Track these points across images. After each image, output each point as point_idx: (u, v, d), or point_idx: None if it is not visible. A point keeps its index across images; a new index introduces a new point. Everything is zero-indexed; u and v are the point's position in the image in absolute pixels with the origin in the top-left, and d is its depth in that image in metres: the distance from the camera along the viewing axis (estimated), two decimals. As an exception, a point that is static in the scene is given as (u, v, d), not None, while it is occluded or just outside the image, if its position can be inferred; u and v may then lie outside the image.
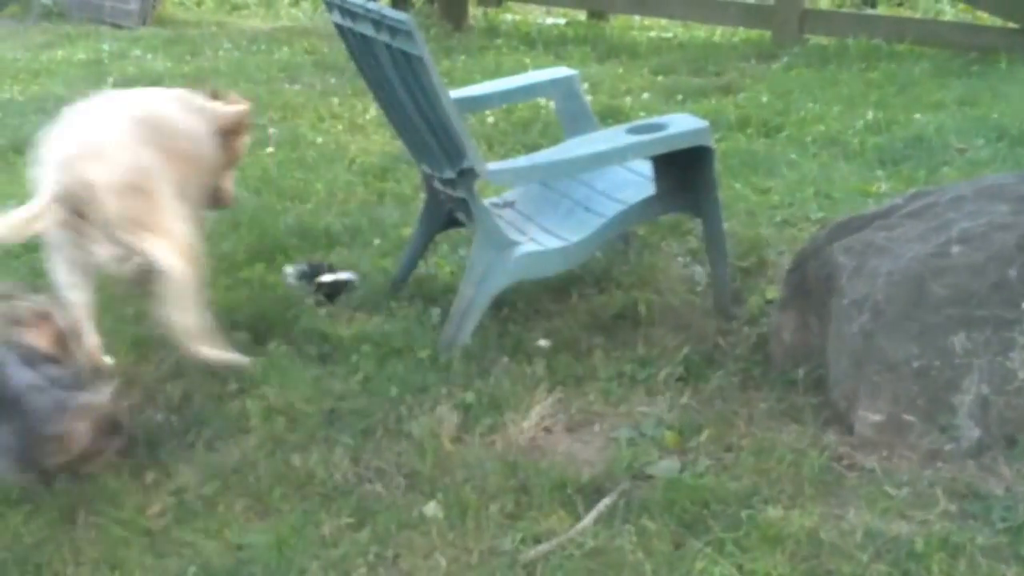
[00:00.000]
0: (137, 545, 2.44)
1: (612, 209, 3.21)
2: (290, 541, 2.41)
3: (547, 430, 2.79)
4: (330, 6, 3.21)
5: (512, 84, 3.81)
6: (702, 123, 3.20)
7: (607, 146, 3.13)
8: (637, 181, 3.34)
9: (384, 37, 2.95)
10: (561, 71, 3.78)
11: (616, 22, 7.30)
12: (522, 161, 3.41)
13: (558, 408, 2.86)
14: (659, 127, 3.18)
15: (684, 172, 3.19)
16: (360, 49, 3.17)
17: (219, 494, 2.59)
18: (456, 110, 2.92)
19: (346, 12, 3.10)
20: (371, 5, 2.98)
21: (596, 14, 7.32)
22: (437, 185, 3.26)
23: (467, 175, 3.04)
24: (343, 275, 3.53)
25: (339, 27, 3.21)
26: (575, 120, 3.60)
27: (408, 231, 3.82)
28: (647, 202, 3.22)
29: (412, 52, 2.87)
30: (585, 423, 2.82)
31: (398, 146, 4.95)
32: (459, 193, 3.11)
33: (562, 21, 7.45)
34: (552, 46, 6.52)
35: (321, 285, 3.50)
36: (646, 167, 3.36)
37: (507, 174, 3.25)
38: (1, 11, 8.49)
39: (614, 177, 3.37)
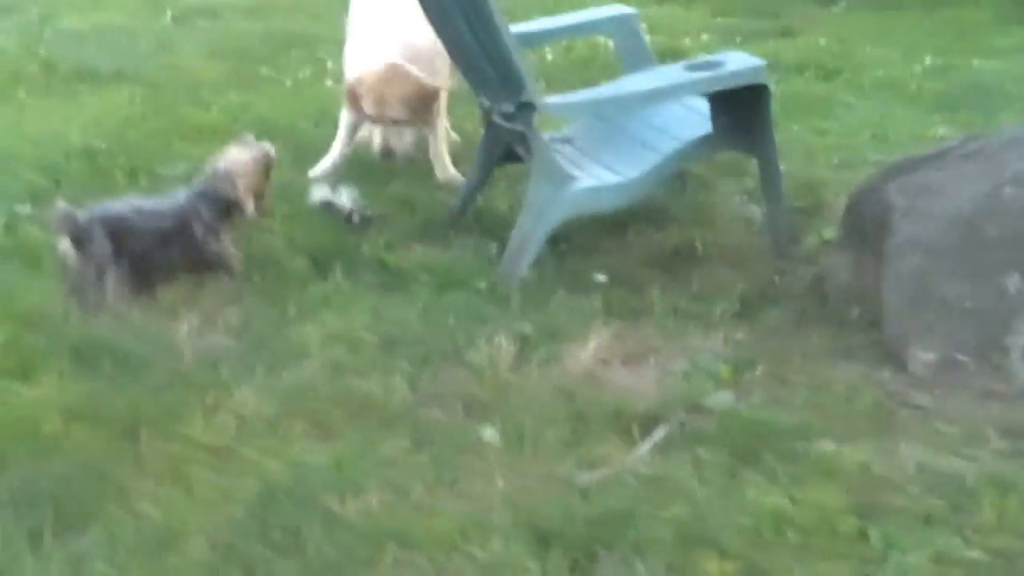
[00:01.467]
0: (200, 461, 2.48)
1: (669, 146, 3.21)
2: (349, 461, 2.45)
3: (603, 362, 2.81)
4: None
5: (571, 21, 3.79)
6: (759, 61, 3.18)
7: (665, 82, 3.13)
8: (694, 119, 3.32)
9: None
10: (621, 9, 3.74)
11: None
12: (580, 95, 3.39)
13: (614, 341, 2.87)
14: (716, 65, 3.16)
15: (740, 111, 3.17)
16: (423, -19, 3.16)
17: (280, 415, 2.63)
18: (516, 43, 2.92)
19: (409, -56, 3.09)
20: None
21: (653, -46, 7.19)
22: (496, 119, 3.25)
23: (526, 108, 3.04)
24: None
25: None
26: (634, 59, 3.58)
27: (468, 166, 3.83)
28: (703, 140, 3.21)
29: (471, -15, 2.86)
30: (641, 356, 2.83)
31: (458, 80, 4.96)
32: (518, 127, 3.11)
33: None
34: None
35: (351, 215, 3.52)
36: (703, 105, 3.34)
37: (565, 107, 3.25)
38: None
39: (671, 114, 3.36)
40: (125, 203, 3.17)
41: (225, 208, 3.19)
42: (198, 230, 3.15)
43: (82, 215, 3.01)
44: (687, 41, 5.21)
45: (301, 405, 2.66)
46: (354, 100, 3.73)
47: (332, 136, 4.26)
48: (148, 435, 2.55)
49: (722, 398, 2.61)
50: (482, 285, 3.09)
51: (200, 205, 3.17)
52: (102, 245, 3.00)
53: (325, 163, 3.93)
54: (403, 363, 2.80)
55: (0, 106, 4.80)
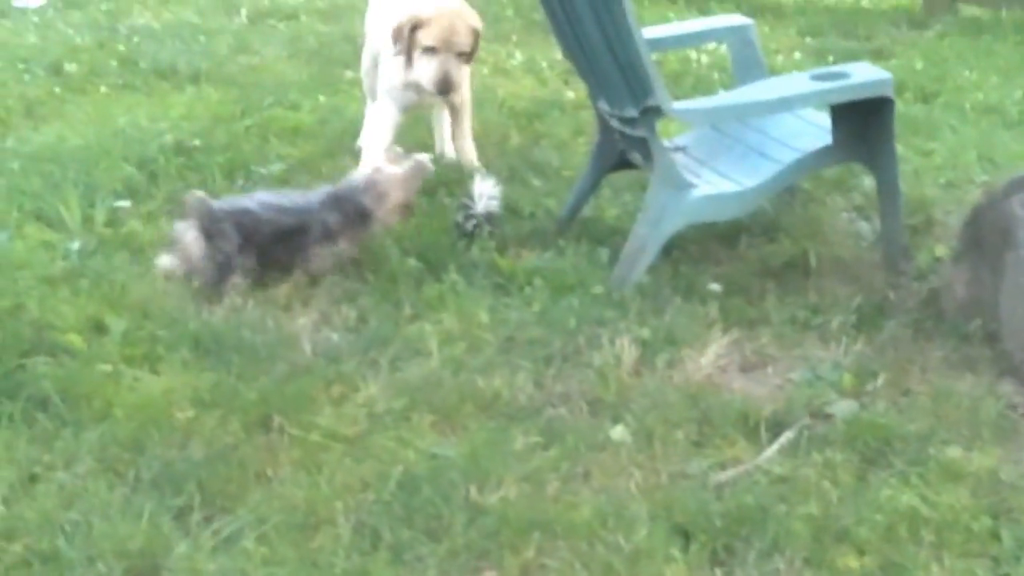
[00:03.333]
0: (335, 450, 2.72)
1: (788, 156, 3.43)
2: (483, 453, 2.68)
3: (722, 369, 3.04)
4: None
5: (687, 29, 4.03)
6: (885, 74, 3.40)
7: (792, 91, 3.35)
8: (811, 130, 3.55)
9: None
10: (737, 19, 3.99)
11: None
12: (707, 101, 3.63)
13: (732, 349, 3.10)
14: (842, 75, 3.38)
15: (862, 123, 3.38)
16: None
17: (408, 409, 2.87)
18: (647, 47, 3.15)
19: (539, -54, 3.33)
20: None
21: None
22: (614, 123, 3.49)
23: (650, 113, 3.27)
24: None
25: (528, -43, 3.45)
26: (748, 69, 3.81)
27: (569, 173, 4.09)
28: (823, 151, 3.43)
29: (606, -13, 3.10)
30: (759, 364, 3.06)
31: (549, 90, 5.25)
32: (639, 132, 3.35)
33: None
34: (694, 1, 6.70)
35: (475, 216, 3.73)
36: (819, 117, 3.57)
37: (692, 113, 3.47)
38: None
39: (788, 125, 3.58)
40: (253, 198, 3.47)
41: (357, 218, 3.47)
42: (315, 234, 3.42)
43: (217, 206, 3.29)
44: (779, 59, 5.45)
45: (428, 399, 2.90)
46: (406, 33, 3.99)
47: (423, 138, 4.53)
48: (280, 424, 2.80)
49: (846, 405, 2.82)
50: (598, 290, 3.33)
51: (328, 211, 3.44)
52: (231, 237, 3.27)
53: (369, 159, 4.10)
54: (525, 362, 3.04)
55: (82, 99, 5.12)
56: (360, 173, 3.58)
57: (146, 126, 4.68)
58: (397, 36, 4.05)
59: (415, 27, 3.99)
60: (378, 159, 3.72)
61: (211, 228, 3.29)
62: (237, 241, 3.31)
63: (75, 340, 3.06)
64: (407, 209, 3.60)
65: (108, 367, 2.97)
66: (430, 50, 3.99)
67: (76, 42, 5.92)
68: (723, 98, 3.62)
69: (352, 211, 3.46)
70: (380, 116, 4.23)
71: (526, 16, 6.29)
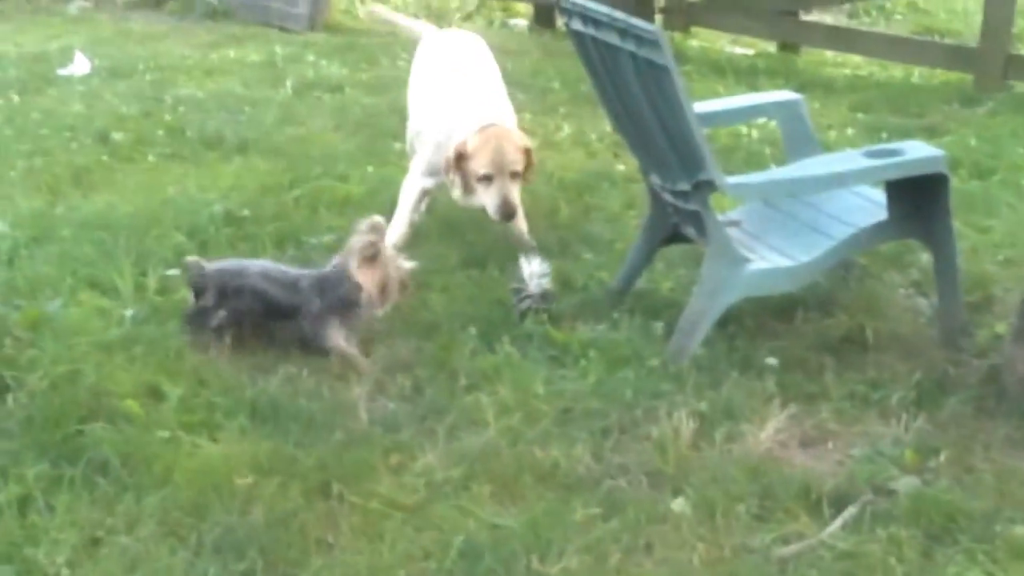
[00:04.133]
0: (395, 519, 2.82)
1: (842, 232, 3.54)
2: (543, 524, 2.77)
3: (782, 443, 3.12)
4: (569, 13, 3.58)
5: (736, 103, 4.17)
6: (938, 151, 3.53)
7: (845, 168, 3.48)
8: (866, 206, 3.67)
9: (629, 46, 3.31)
10: (787, 94, 4.14)
11: (807, 56, 7.64)
12: (761, 176, 3.75)
13: (792, 423, 3.19)
14: (895, 152, 3.51)
15: (917, 199, 3.50)
16: (599, 57, 3.55)
17: (466, 478, 2.97)
18: (698, 121, 3.28)
19: (588, 19, 3.48)
20: (617, 14, 3.36)
21: (788, 47, 7.66)
22: (667, 197, 3.62)
23: (703, 187, 3.40)
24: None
25: (577, 34, 3.59)
26: (800, 145, 3.93)
27: (621, 246, 4.21)
28: (878, 227, 3.55)
29: (658, 61, 3.24)
30: (819, 439, 3.15)
31: (599, 163, 5.40)
32: (691, 206, 3.47)
33: (750, 52, 7.81)
34: (743, 76, 6.88)
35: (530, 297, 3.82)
36: (873, 193, 3.69)
37: (745, 188, 3.59)
38: (162, 7, 9.19)
39: (843, 201, 3.69)
40: (255, 264, 3.72)
41: (342, 307, 3.57)
42: (305, 319, 3.57)
43: (206, 268, 3.60)
44: (832, 134, 5.59)
45: (486, 469, 3.00)
46: (459, 160, 4.19)
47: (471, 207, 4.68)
48: (339, 491, 2.90)
49: (908, 482, 2.90)
50: (654, 362, 3.43)
51: (313, 294, 3.57)
52: (210, 296, 3.57)
53: (394, 233, 4.27)
54: (582, 434, 3.14)
55: (130, 168, 5.31)
56: (336, 259, 3.67)
57: (195, 195, 4.85)
58: (447, 168, 4.25)
59: (463, 158, 4.19)
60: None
61: (196, 287, 3.60)
62: (213, 300, 3.56)
63: (132, 406, 3.19)
64: (391, 286, 3.66)
65: (166, 433, 3.10)
66: (486, 178, 4.17)
67: (122, 111, 6.13)
68: (776, 174, 3.74)
69: (336, 296, 3.58)
70: (412, 191, 4.43)
71: (573, 88, 6.46)
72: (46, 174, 5.08)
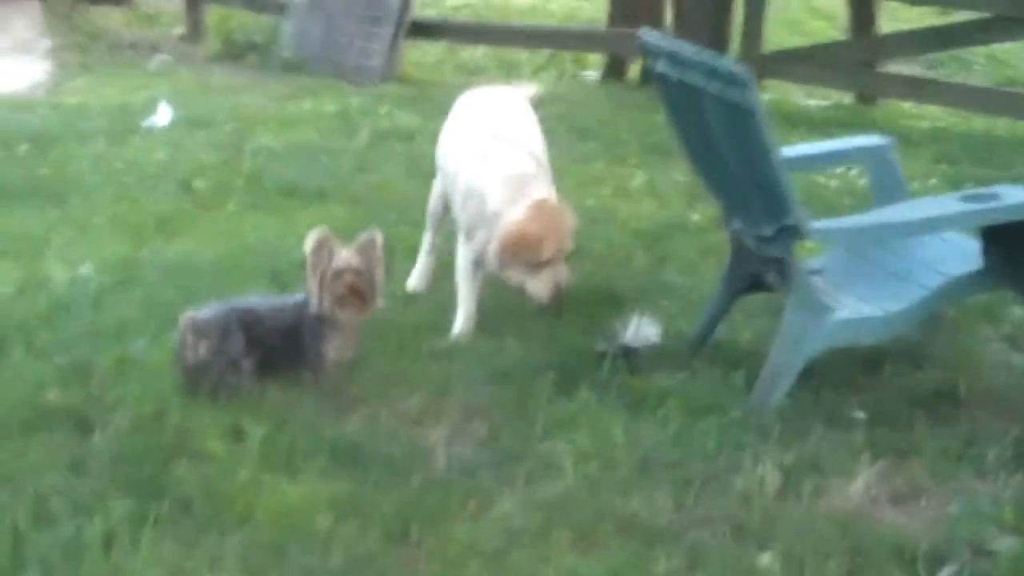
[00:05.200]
0: (473, 566, 2.78)
1: (934, 280, 3.47)
2: (625, 574, 2.72)
3: (872, 499, 3.05)
4: (654, 55, 3.57)
5: (822, 148, 4.12)
6: (1038, 194, 3.43)
7: (940, 212, 3.40)
8: (959, 254, 3.58)
9: (716, 88, 3.29)
10: (875, 139, 4.06)
11: (884, 108, 7.57)
12: (849, 221, 3.67)
13: (881, 479, 3.11)
14: (993, 196, 3.42)
15: (1015, 247, 3.41)
16: (682, 99, 3.53)
17: (545, 526, 2.92)
18: (785, 165, 3.24)
19: (675, 61, 3.45)
20: (706, 55, 3.35)
21: (865, 98, 7.60)
22: (749, 244, 3.58)
23: (787, 233, 3.34)
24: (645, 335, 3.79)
25: (661, 76, 3.57)
26: (889, 190, 3.86)
27: (697, 295, 4.17)
28: (973, 276, 3.46)
29: (745, 104, 3.21)
30: (911, 496, 3.06)
31: (672, 212, 5.37)
32: (775, 252, 3.42)
33: (824, 103, 7.77)
34: (818, 128, 6.82)
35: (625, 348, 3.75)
36: (965, 240, 3.61)
37: (834, 233, 3.52)
38: (241, 61, 9.37)
39: (933, 248, 3.62)
40: (249, 300, 3.69)
41: (318, 320, 3.56)
42: (307, 332, 3.56)
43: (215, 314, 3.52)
44: (915, 185, 5.50)
45: (565, 517, 2.95)
46: (521, 250, 3.82)
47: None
48: (418, 536, 2.88)
49: (1009, 542, 2.80)
50: (735, 413, 3.38)
51: (305, 313, 3.57)
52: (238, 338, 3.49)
53: (466, 322, 4.03)
54: (663, 483, 3.09)
55: (211, 215, 5.37)
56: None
57: (274, 242, 4.90)
58: (503, 259, 3.87)
59: (516, 242, 3.83)
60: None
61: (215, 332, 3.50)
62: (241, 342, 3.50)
63: (215, 446, 3.20)
64: (357, 294, 3.57)
65: (248, 473, 3.09)
66: (542, 265, 3.86)
67: (203, 160, 6.23)
68: (865, 218, 3.67)
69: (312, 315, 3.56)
70: (469, 284, 4.08)
71: (644, 138, 6.46)
72: (131, 220, 5.16)
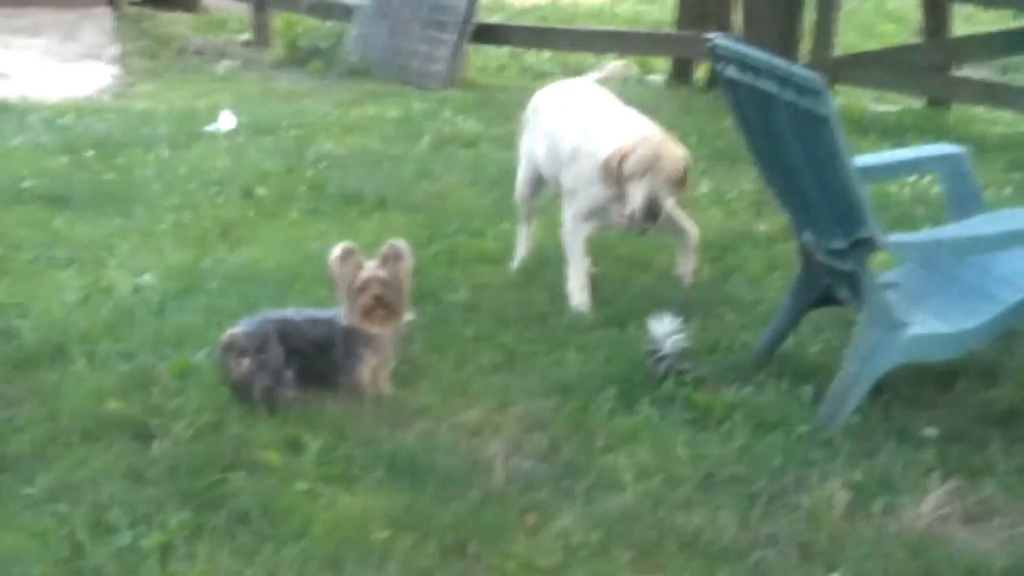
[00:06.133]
0: (532, 581, 2.76)
1: (1012, 296, 3.38)
2: (688, 595, 2.68)
3: (943, 519, 2.97)
4: (725, 60, 3.51)
5: (895, 157, 4.03)
6: None
7: (1021, 226, 3.28)
8: (1037, 269, 3.48)
9: (789, 95, 3.23)
10: (950, 147, 3.97)
11: (956, 113, 7.43)
12: (927, 235, 3.60)
13: (953, 498, 3.03)
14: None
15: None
16: (753, 106, 3.47)
17: (605, 542, 2.89)
18: (859, 176, 3.17)
19: (747, 67, 3.40)
20: (777, 61, 3.29)
21: (937, 103, 7.47)
22: (820, 256, 3.51)
23: (861, 246, 3.27)
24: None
25: (731, 81, 3.52)
26: (964, 201, 3.77)
27: (764, 308, 4.10)
28: (1052, 292, 3.36)
29: (818, 112, 3.15)
30: (984, 515, 2.99)
31: (739, 222, 5.30)
32: (847, 266, 3.35)
33: (895, 108, 7.63)
34: (889, 133, 6.72)
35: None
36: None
37: (910, 246, 3.45)
38: (305, 67, 9.46)
39: (1011, 263, 3.52)
40: (286, 312, 3.68)
41: (352, 331, 3.54)
42: (337, 351, 3.55)
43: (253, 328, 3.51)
44: (989, 193, 5.36)
45: (625, 534, 2.91)
46: (615, 165, 4.08)
47: (611, 267, 4.62)
48: (475, 551, 2.85)
49: (1088, 565, 2.71)
50: (803, 428, 3.31)
51: (338, 326, 3.55)
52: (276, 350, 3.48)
53: (578, 291, 4.29)
54: (727, 500, 3.03)
55: (274, 223, 5.41)
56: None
57: (336, 251, 4.92)
58: (607, 171, 4.14)
59: (623, 158, 4.09)
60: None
61: (255, 347, 3.49)
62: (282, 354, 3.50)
63: (273, 457, 3.20)
64: (390, 307, 3.57)
65: (305, 485, 3.09)
66: (638, 176, 4.07)
67: (266, 167, 6.28)
68: (943, 232, 3.58)
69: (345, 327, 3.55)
70: (578, 239, 4.36)
71: (711, 144, 6.39)
72: (194, 228, 5.21)
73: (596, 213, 4.33)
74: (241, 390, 3.48)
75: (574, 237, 4.39)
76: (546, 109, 4.69)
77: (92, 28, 10.58)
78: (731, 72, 3.49)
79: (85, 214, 5.39)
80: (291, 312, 3.67)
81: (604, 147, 4.20)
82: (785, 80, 3.23)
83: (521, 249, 4.77)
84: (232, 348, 3.48)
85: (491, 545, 2.87)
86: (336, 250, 3.59)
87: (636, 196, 4.07)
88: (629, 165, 4.07)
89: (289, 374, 3.49)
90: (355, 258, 3.59)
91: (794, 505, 3.00)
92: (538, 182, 4.70)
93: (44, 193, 5.63)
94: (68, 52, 9.72)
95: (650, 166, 4.06)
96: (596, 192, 4.27)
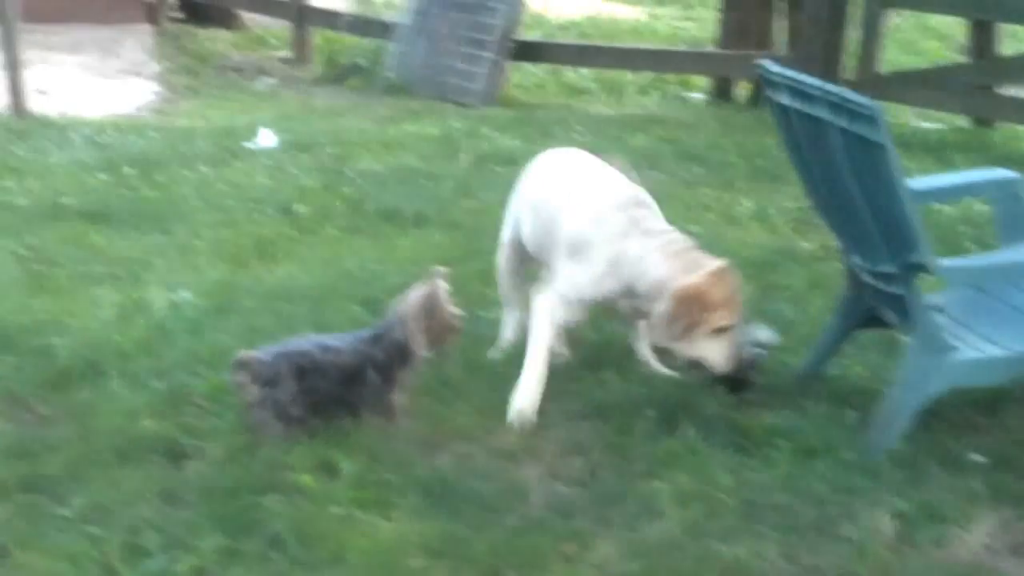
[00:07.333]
0: (570, 610, 2.71)
1: (1063, 320, 3.29)
2: (729, 627, 2.61)
3: (992, 550, 2.89)
4: (776, 86, 3.46)
5: (948, 181, 3.97)
6: None
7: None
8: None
9: (841, 121, 3.18)
10: (1004, 172, 3.88)
11: (1002, 131, 7.32)
12: (981, 260, 3.54)
13: (1003, 528, 2.96)
14: None
15: None
16: (805, 132, 3.41)
17: (645, 572, 2.84)
18: (914, 201, 3.10)
19: (797, 93, 3.35)
20: (831, 87, 3.23)
21: (982, 121, 7.36)
22: (866, 279, 3.43)
23: (910, 270, 3.20)
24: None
25: (782, 107, 3.47)
26: (1016, 226, 3.68)
27: (806, 329, 4.02)
28: (1104, 317, 3.27)
29: (871, 138, 3.09)
30: (1035, 547, 2.90)
31: (781, 240, 5.23)
32: (895, 289, 3.28)
33: (940, 126, 7.54)
34: (932, 151, 6.63)
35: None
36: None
37: (963, 272, 3.39)
38: (344, 83, 9.47)
39: (1063, 288, 3.44)
40: (307, 340, 3.57)
41: (399, 353, 3.49)
42: (372, 375, 3.48)
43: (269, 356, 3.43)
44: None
45: (666, 563, 2.86)
46: (699, 309, 3.40)
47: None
48: (513, 580, 2.81)
49: None
50: (847, 455, 3.24)
51: (375, 349, 3.49)
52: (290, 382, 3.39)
53: (530, 392, 3.59)
54: (771, 530, 2.97)
55: (312, 240, 5.39)
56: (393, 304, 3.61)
57: (373, 268, 4.88)
58: (679, 317, 3.41)
59: (699, 304, 3.41)
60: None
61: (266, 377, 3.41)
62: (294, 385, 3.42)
63: (308, 481, 3.17)
64: (442, 333, 3.57)
65: (340, 509, 3.05)
66: (723, 330, 3.47)
67: (305, 184, 6.27)
68: (997, 257, 3.51)
69: (394, 346, 3.49)
70: (547, 335, 3.65)
71: (751, 162, 6.33)
72: (231, 245, 5.20)
73: (587, 301, 3.65)
74: (248, 414, 3.44)
75: (545, 321, 3.65)
76: (548, 177, 4.21)
77: (132, 45, 10.64)
78: (783, 98, 3.43)
79: (123, 230, 5.40)
80: (311, 345, 3.51)
81: (660, 276, 3.45)
82: (838, 107, 3.17)
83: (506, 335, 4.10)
84: (243, 368, 3.42)
85: (528, 573, 2.83)
86: (421, 286, 3.58)
87: (718, 353, 3.46)
88: (714, 319, 3.42)
89: (296, 411, 3.40)
90: (439, 296, 3.58)
91: (840, 535, 2.94)
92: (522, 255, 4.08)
93: (83, 209, 5.64)
94: (108, 69, 9.78)
95: (737, 317, 3.48)
96: (606, 286, 3.58)
